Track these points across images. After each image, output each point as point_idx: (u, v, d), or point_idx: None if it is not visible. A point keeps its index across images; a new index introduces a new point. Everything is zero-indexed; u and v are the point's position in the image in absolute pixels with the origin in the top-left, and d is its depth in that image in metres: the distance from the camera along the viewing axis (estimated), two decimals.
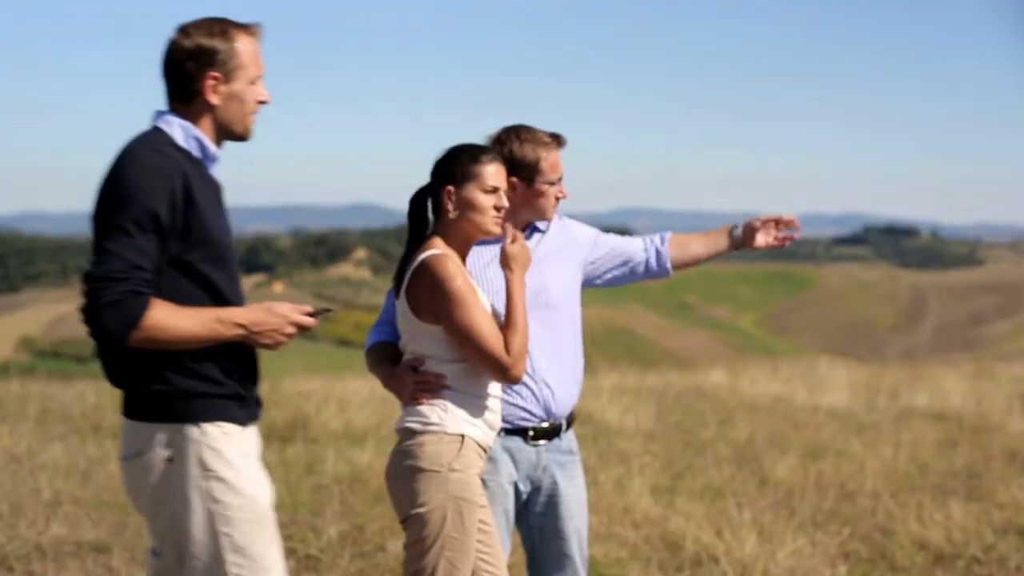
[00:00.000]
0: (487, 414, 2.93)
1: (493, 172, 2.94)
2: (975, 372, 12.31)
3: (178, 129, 2.57)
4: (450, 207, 2.94)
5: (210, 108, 2.58)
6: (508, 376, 2.87)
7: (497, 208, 2.94)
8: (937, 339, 79.73)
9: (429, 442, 2.85)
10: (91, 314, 2.38)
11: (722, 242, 3.46)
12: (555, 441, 3.20)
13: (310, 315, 2.63)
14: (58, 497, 5.56)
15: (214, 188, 2.59)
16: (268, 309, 2.56)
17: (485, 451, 2.94)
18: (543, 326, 3.15)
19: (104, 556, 4.74)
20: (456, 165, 2.95)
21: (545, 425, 3.16)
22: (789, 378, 11.49)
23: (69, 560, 4.68)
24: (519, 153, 3.13)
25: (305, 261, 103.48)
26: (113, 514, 5.35)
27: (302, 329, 2.62)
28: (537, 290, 3.15)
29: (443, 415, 2.87)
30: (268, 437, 5.53)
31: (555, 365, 3.17)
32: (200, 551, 2.49)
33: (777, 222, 3.39)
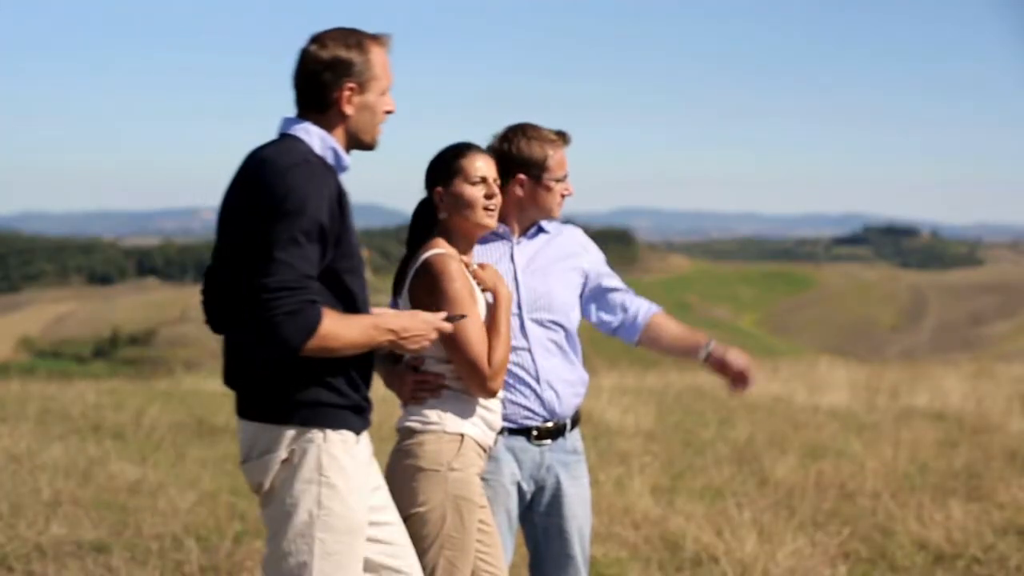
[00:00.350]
0: (487, 414, 2.93)
1: (477, 164, 2.94)
2: (975, 372, 12.31)
3: (316, 138, 2.57)
4: (442, 207, 2.94)
5: (343, 118, 2.60)
6: (486, 387, 2.86)
7: (488, 196, 2.94)
8: (937, 339, 79.75)
9: (428, 441, 2.85)
10: (267, 324, 2.37)
11: (690, 349, 3.37)
12: (559, 441, 3.20)
13: (447, 320, 2.70)
14: (58, 497, 5.56)
15: (347, 198, 2.60)
16: (414, 315, 2.63)
17: (485, 451, 2.94)
18: (545, 328, 3.15)
19: (104, 556, 4.74)
20: (441, 165, 2.96)
21: (549, 425, 3.16)
22: (789, 378, 11.49)
23: (69, 560, 4.68)
24: (526, 150, 3.14)
25: None
26: (113, 514, 5.35)
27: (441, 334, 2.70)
28: (540, 293, 3.16)
29: (443, 414, 2.88)
30: None
31: (557, 366, 3.18)
32: (291, 549, 2.51)
33: (737, 376, 3.32)
